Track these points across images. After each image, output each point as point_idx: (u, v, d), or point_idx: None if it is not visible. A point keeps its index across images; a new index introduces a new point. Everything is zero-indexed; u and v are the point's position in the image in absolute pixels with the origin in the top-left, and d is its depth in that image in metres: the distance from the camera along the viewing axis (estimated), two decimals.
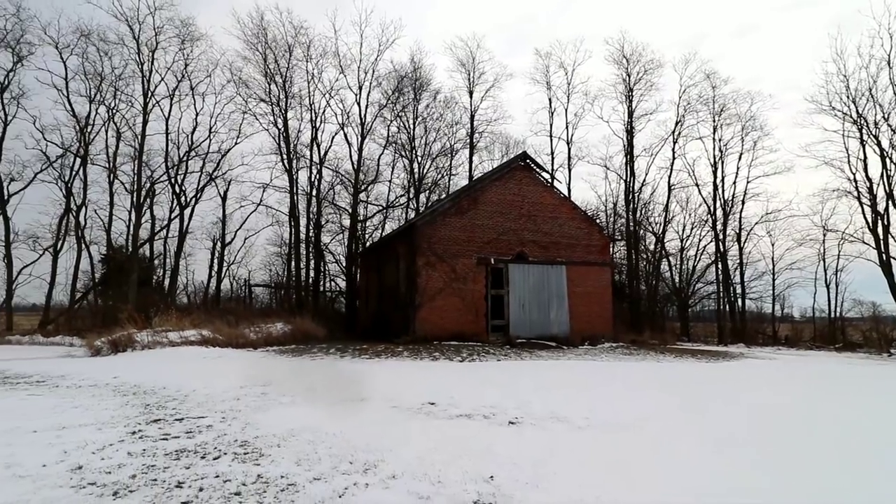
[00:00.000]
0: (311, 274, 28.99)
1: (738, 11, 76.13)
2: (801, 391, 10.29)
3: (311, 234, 28.42)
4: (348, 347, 15.27)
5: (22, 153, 37.48)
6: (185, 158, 29.02)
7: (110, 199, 28.30)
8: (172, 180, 29.12)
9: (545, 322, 20.20)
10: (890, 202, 26.11)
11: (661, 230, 34.75)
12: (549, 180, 21.31)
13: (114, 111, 28.17)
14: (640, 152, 34.65)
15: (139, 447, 4.97)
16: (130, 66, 27.53)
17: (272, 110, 26.19)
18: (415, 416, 6.69)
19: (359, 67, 26.27)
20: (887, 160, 26.03)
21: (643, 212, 35.08)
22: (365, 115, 25.89)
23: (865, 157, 26.85)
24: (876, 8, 33.21)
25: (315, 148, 27.46)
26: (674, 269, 35.82)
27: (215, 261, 32.57)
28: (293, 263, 28.76)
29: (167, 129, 28.87)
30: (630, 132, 34.03)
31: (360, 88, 26.30)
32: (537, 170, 21.08)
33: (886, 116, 25.93)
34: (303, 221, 27.79)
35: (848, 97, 26.78)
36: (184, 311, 19.82)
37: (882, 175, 26.34)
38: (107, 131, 28.49)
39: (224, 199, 31.84)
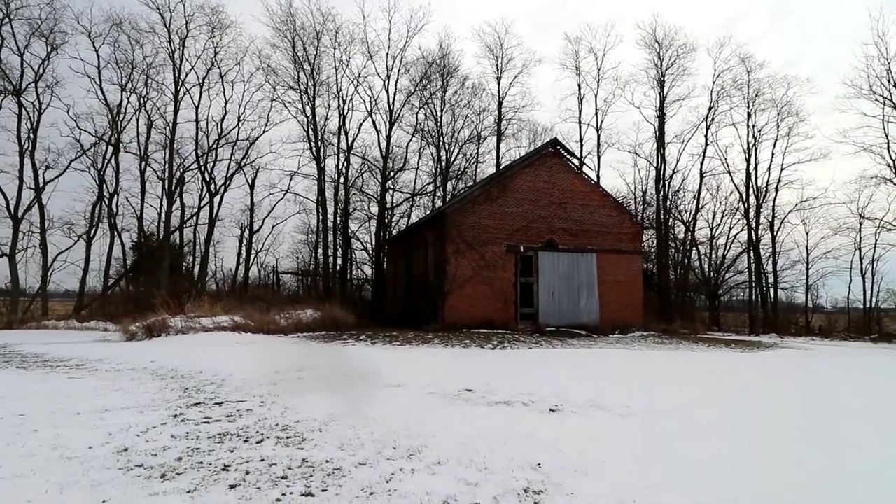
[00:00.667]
0: (339, 261, 29.16)
1: None
2: (836, 380, 9.78)
3: (338, 222, 28.53)
4: (378, 334, 15.25)
5: (57, 141, 38.71)
6: (214, 146, 29.36)
7: (142, 186, 28.87)
8: (202, 168, 29.52)
9: (575, 310, 19.85)
10: None
11: (691, 218, 33.84)
12: (580, 167, 20.79)
13: (145, 99, 28.64)
14: (671, 139, 33.69)
15: (182, 430, 4.94)
16: (161, 55, 27.91)
17: (300, 98, 26.26)
18: (453, 403, 6.55)
19: (387, 54, 26.08)
20: None
21: (673, 200, 34.19)
22: (393, 102, 25.74)
23: None
24: None
25: (343, 135, 27.47)
26: (703, 257, 35.03)
27: (243, 248, 33.07)
28: (321, 251, 28.98)
29: (197, 117, 29.22)
30: (661, 118, 33.05)
31: (389, 75, 26.14)
32: (568, 156, 20.59)
33: None
34: (330, 209, 27.87)
35: (889, 81, 25.44)
36: (215, 298, 20.13)
37: None
38: (138, 119, 29.00)
39: (252, 186, 32.18)
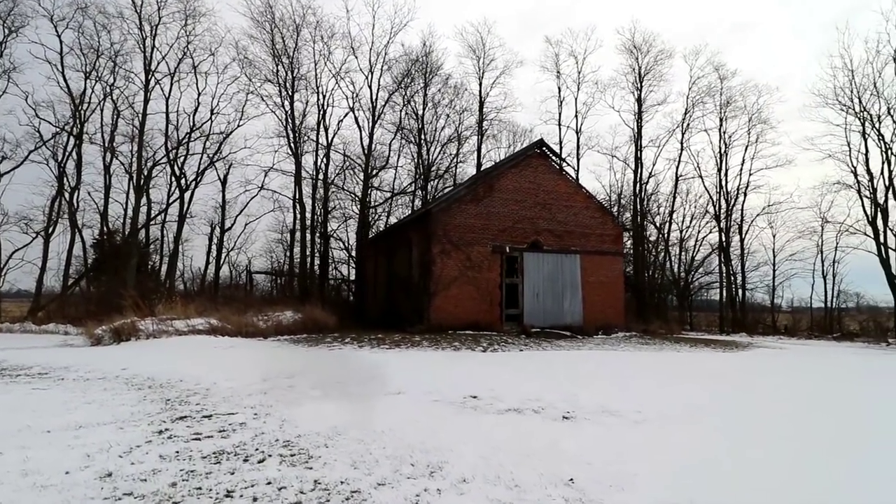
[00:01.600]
0: (317, 261, 28.34)
1: (740, 5, 75.24)
2: (817, 378, 9.87)
3: (317, 220, 27.71)
4: (363, 337, 14.73)
5: (14, 130, 36.53)
6: (185, 140, 28.12)
7: (106, 180, 27.36)
8: (172, 162, 28.23)
9: (559, 311, 19.74)
10: (890, 195, 25.87)
11: (665, 221, 34.50)
12: (565, 169, 20.72)
13: (111, 88, 27.14)
14: (647, 143, 34.23)
15: (171, 449, 4.41)
16: (130, 42, 26.50)
17: (279, 91, 25.32)
18: (461, 411, 6.18)
19: (370, 49, 25.40)
20: (889, 154, 25.73)
21: (649, 202, 34.78)
22: (376, 99, 25.07)
23: (867, 151, 26.70)
24: (883, 3, 32.72)
25: (322, 131, 26.67)
26: (675, 259, 35.77)
27: (214, 246, 31.87)
28: (297, 250, 28.10)
29: (167, 108, 27.94)
30: (639, 123, 33.56)
31: (372, 71, 25.44)
32: (553, 158, 20.49)
33: (891, 111, 25.56)
34: (308, 206, 27.04)
35: (852, 91, 26.42)
36: (187, 299, 19.17)
37: (882, 169, 26.14)
38: (102, 109, 27.51)
39: (224, 182, 31.05)
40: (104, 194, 27.44)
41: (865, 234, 27.32)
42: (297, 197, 27.24)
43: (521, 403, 6.62)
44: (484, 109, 32.41)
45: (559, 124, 34.12)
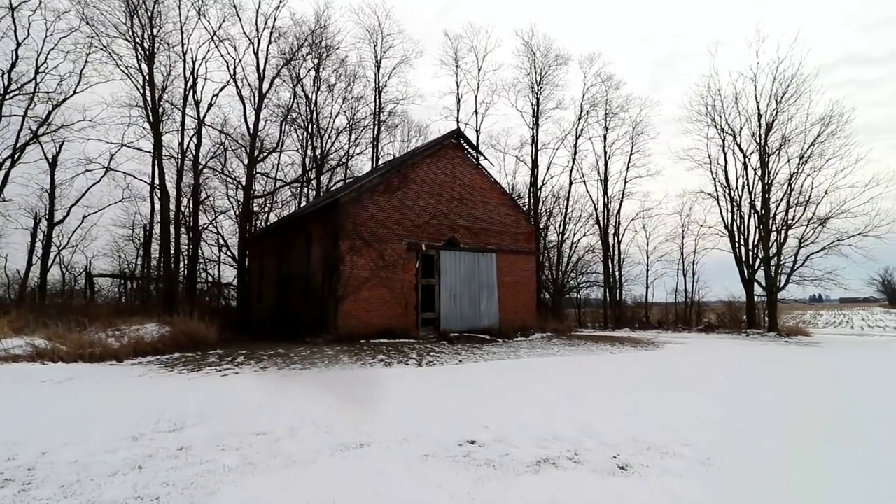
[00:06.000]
0: (185, 261, 23.59)
1: (638, 21, 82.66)
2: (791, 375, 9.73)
3: (185, 212, 23.05)
4: (258, 353, 11.74)
5: None
6: None
7: None
8: None
9: (475, 314, 18.42)
10: (745, 202, 29.31)
11: (561, 222, 35.54)
12: (481, 163, 19.48)
13: None
14: (542, 146, 34.93)
15: None
16: None
17: (135, 52, 20.29)
18: (472, 471, 4.15)
19: (257, 11, 21.39)
20: (747, 166, 29.16)
21: (544, 204, 35.55)
22: (264, 70, 21.20)
23: (726, 163, 29.92)
24: (749, 31, 37.95)
25: (193, 104, 22.04)
26: (565, 259, 37.21)
27: (39, 244, 25.20)
28: (157, 248, 23.07)
29: None
30: (536, 126, 33.99)
31: (259, 38, 21.49)
32: (469, 150, 19.13)
33: (749, 126, 29.00)
34: (172, 195, 22.18)
35: (715, 108, 29.48)
36: None
37: (737, 178, 29.65)
38: None
39: (54, 163, 24.64)
40: None
41: (720, 233, 30.68)
42: (157, 182, 22.33)
43: (541, 447, 4.82)
44: (381, 99, 30.21)
45: (457, 121, 33.24)
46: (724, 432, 5.46)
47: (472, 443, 4.94)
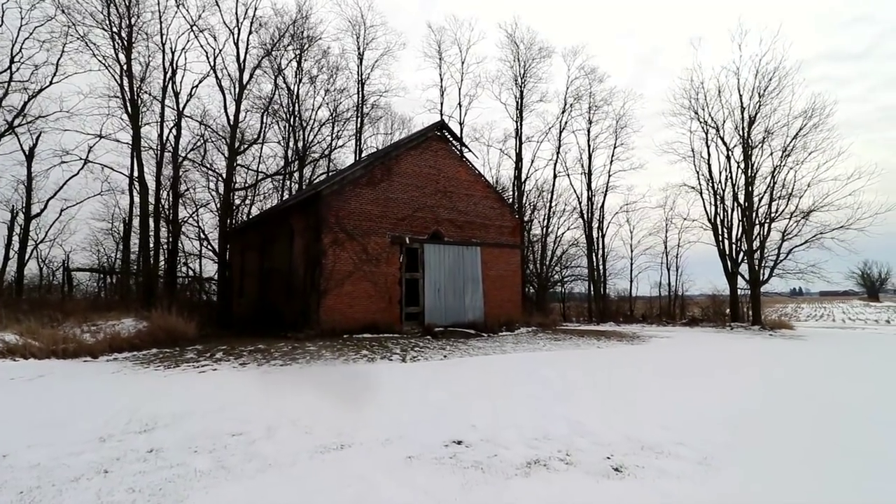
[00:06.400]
0: (165, 255, 23.10)
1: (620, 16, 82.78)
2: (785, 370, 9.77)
3: (165, 205, 22.51)
4: (238, 348, 11.51)
5: None
6: None
7: None
8: None
9: (460, 308, 18.34)
10: (728, 196, 29.64)
11: (545, 216, 35.59)
12: (465, 155, 19.33)
13: None
14: (525, 139, 34.88)
15: None
16: None
17: (112, 42, 19.63)
18: (459, 474, 4.01)
19: (237, 0, 20.92)
20: (730, 160, 29.45)
21: (528, 197, 35.53)
22: (244, 60, 20.70)
23: (710, 157, 30.17)
24: (731, 24, 38.30)
25: (172, 95, 21.46)
26: (549, 253, 37.34)
27: (15, 237, 24.48)
28: (136, 241, 22.51)
29: None
30: (520, 118, 33.89)
31: (239, 27, 20.96)
32: (453, 142, 18.96)
33: (732, 120, 29.26)
34: (152, 188, 21.66)
35: (698, 102, 29.68)
36: None
37: (721, 172, 29.87)
38: None
39: (31, 156, 23.89)
40: None
41: (703, 227, 31.00)
42: (136, 175, 21.76)
43: (532, 447, 4.70)
44: (364, 91, 29.82)
45: (441, 114, 32.98)
46: (721, 429, 5.41)
47: (459, 443, 4.83)
